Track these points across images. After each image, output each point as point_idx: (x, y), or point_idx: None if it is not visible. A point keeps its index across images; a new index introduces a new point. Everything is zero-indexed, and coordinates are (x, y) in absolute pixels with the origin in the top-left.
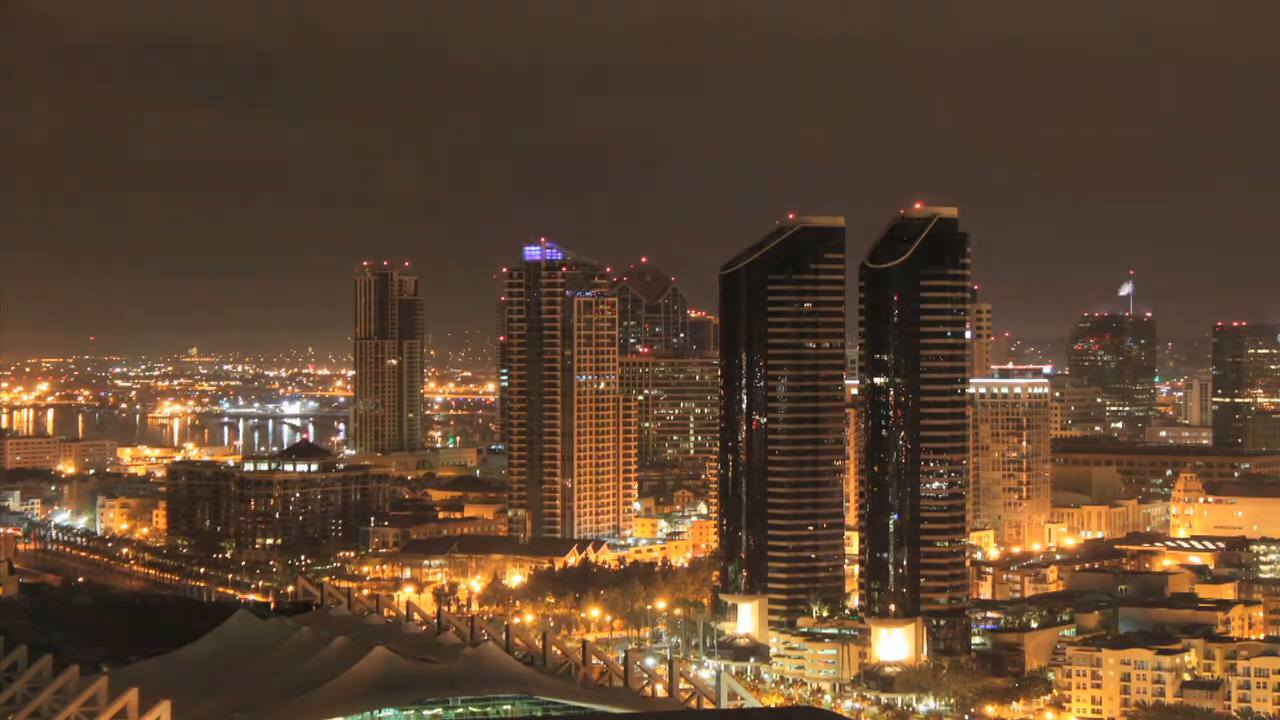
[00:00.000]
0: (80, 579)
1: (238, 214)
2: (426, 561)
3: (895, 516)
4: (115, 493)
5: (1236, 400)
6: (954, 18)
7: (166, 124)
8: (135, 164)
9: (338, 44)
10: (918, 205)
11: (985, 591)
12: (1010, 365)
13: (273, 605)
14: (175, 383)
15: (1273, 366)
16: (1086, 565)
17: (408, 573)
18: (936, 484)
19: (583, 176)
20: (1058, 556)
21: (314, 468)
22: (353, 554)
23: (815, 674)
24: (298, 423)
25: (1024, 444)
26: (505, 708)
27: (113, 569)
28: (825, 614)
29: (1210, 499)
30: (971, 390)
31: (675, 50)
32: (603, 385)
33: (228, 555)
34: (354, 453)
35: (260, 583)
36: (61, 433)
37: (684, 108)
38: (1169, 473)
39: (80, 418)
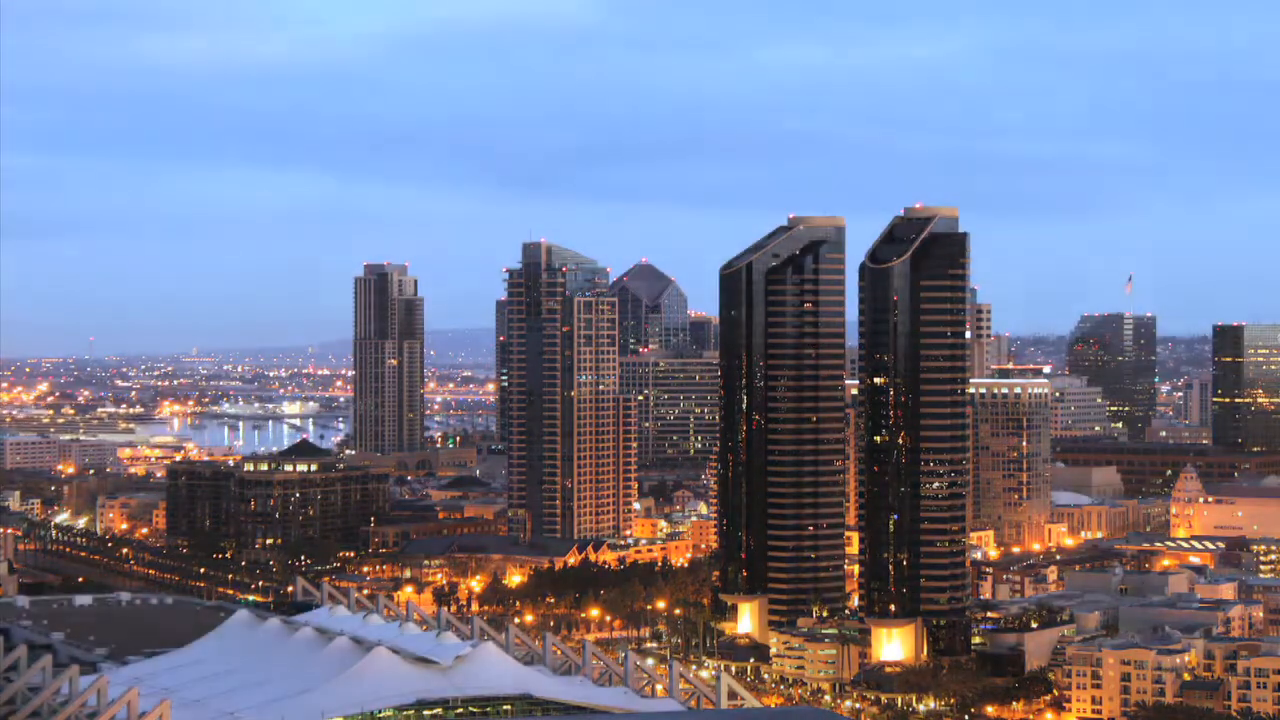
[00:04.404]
0: (81, 579)
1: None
2: (426, 561)
3: (895, 516)
4: (115, 493)
5: (1236, 400)
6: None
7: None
8: None
9: None
10: (918, 205)
11: (985, 591)
12: (1010, 365)
13: (273, 605)
14: (175, 382)
15: (1273, 366)
16: (1086, 565)
17: (408, 573)
18: (936, 484)
19: (585, 176)
20: (1058, 556)
21: (314, 468)
22: (353, 554)
23: (815, 674)
24: (298, 423)
25: (1024, 444)
26: (505, 708)
27: (113, 569)
28: (825, 614)
29: (1210, 499)
30: (971, 390)
31: (674, 49)
32: (603, 385)
33: (228, 555)
34: (354, 453)
35: (260, 583)
36: (62, 433)
37: (684, 106)
38: (1169, 473)
39: (50, 416)
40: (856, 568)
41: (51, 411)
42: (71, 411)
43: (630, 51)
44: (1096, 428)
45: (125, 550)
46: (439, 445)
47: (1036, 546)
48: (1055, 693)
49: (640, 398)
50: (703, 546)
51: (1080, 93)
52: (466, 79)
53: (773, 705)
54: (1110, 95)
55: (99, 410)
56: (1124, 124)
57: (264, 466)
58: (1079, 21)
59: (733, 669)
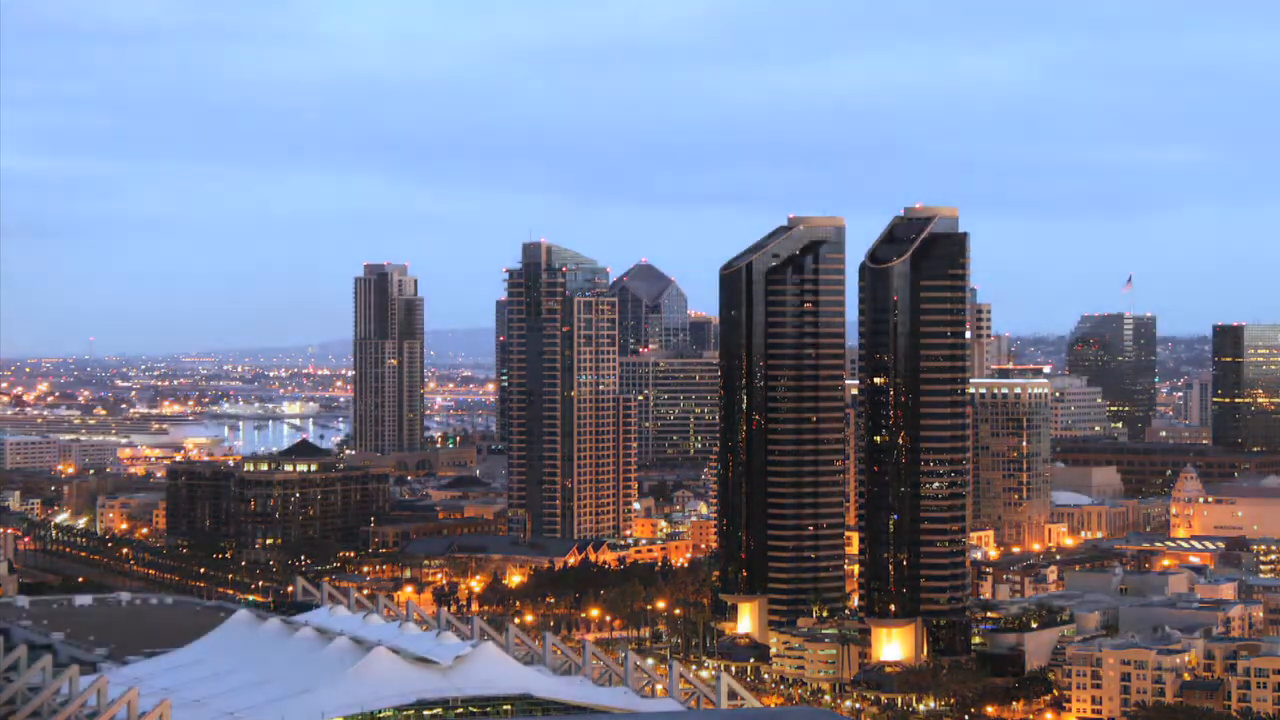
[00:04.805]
0: (81, 579)
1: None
2: (426, 561)
3: (895, 516)
4: (115, 493)
5: (1236, 400)
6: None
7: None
8: None
9: None
10: (918, 205)
11: (985, 591)
12: (1010, 365)
13: (273, 605)
14: (175, 382)
15: (1273, 366)
16: (1086, 565)
17: (408, 573)
18: (936, 484)
19: (586, 175)
20: (1058, 556)
21: (314, 468)
22: (353, 554)
23: (815, 674)
24: (298, 423)
25: (1024, 444)
26: (505, 708)
27: (113, 569)
28: (825, 614)
29: (1210, 499)
30: (971, 390)
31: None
32: (603, 385)
33: (228, 555)
34: (354, 453)
35: (260, 583)
36: (61, 433)
37: (683, 107)
38: (1169, 473)
39: (80, 418)
40: (856, 568)
41: (80, 413)
42: (104, 412)
43: (635, 60)
44: (1096, 428)
45: (125, 550)
46: (439, 445)
47: (1036, 546)
48: (1055, 693)
49: (640, 398)
50: (703, 546)
51: (1089, 97)
52: (469, 85)
53: (773, 705)
54: (1118, 100)
55: (132, 411)
56: (1127, 128)
57: (264, 466)
58: (1089, 28)
59: (733, 669)
